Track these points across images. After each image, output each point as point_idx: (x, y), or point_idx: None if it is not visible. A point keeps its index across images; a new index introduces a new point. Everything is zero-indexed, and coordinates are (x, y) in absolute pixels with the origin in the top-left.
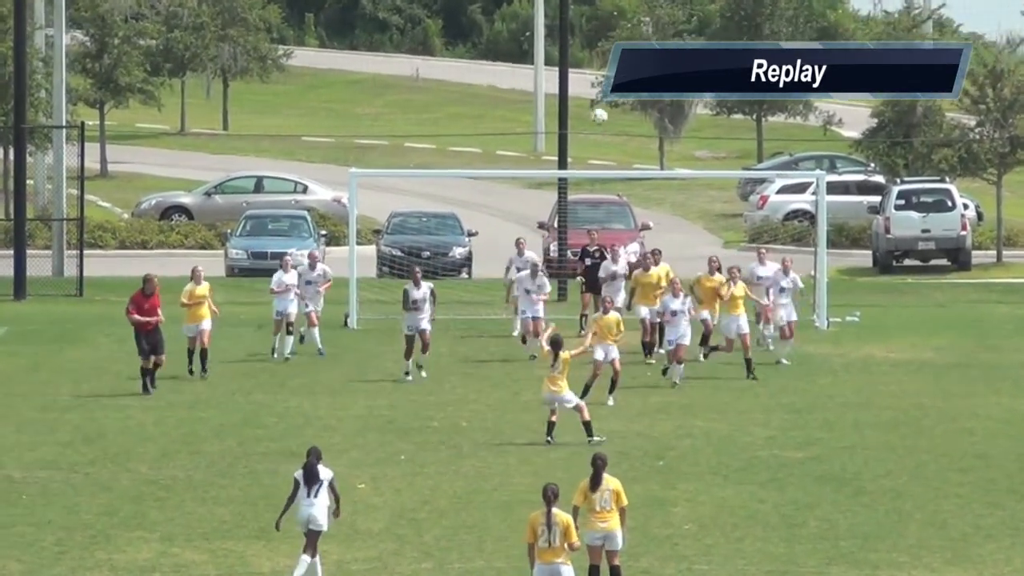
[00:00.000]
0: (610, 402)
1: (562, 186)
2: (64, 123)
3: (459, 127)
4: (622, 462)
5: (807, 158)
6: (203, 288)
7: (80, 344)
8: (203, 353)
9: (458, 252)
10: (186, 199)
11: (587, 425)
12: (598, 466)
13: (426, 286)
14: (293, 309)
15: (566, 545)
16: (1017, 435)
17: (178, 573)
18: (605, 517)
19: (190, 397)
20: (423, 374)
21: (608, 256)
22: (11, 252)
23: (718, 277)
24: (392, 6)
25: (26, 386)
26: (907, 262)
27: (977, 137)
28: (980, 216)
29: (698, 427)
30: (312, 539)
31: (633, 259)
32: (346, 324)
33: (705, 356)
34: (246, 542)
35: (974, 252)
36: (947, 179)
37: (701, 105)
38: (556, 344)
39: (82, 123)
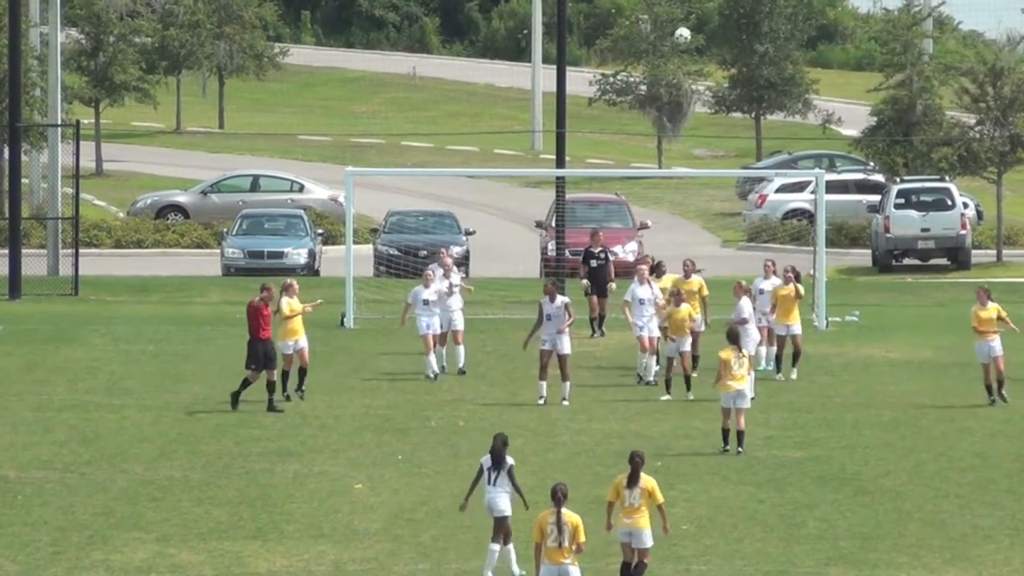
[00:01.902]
0: (690, 396)
1: (560, 185)
2: (59, 121)
3: (456, 125)
4: (620, 462)
5: (806, 157)
6: (296, 302)
7: (75, 344)
8: (302, 371)
9: (456, 251)
10: (182, 198)
11: (740, 435)
12: (636, 463)
13: (561, 299)
14: (438, 325)
15: (573, 547)
16: (1016, 435)
17: (174, 573)
18: (631, 514)
19: (187, 398)
20: (565, 403)
21: (611, 257)
22: (6, 251)
23: (791, 287)
24: (389, 4)
25: (21, 386)
26: (907, 261)
27: (977, 136)
28: (980, 215)
29: (696, 428)
30: (499, 525)
31: (631, 258)
32: (343, 324)
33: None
34: (243, 542)
35: (974, 251)
36: (947, 178)
37: (699, 103)
38: (734, 337)
39: (77, 121)
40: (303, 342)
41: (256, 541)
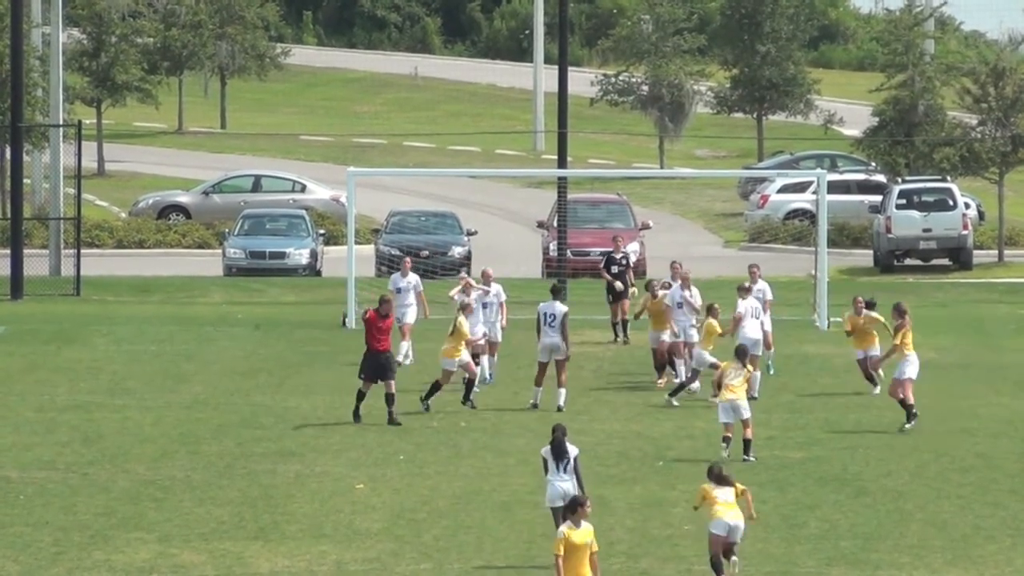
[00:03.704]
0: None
1: (562, 185)
2: (61, 122)
3: (458, 126)
4: (621, 462)
5: (808, 157)
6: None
7: (77, 344)
8: (470, 383)
9: (457, 251)
10: (184, 198)
11: (747, 443)
12: (724, 476)
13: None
14: (479, 333)
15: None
16: (1018, 435)
17: (176, 574)
18: (729, 508)
19: (188, 398)
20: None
21: (631, 263)
22: (8, 252)
23: (870, 314)
24: (390, 4)
25: (23, 386)
26: (908, 262)
27: (979, 136)
28: (981, 215)
29: (698, 428)
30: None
31: (633, 259)
32: (344, 324)
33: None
34: (244, 543)
35: (976, 252)
36: (948, 178)
37: (701, 104)
38: (743, 353)
39: (79, 122)
40: (466, 357)
41: (258, 541)
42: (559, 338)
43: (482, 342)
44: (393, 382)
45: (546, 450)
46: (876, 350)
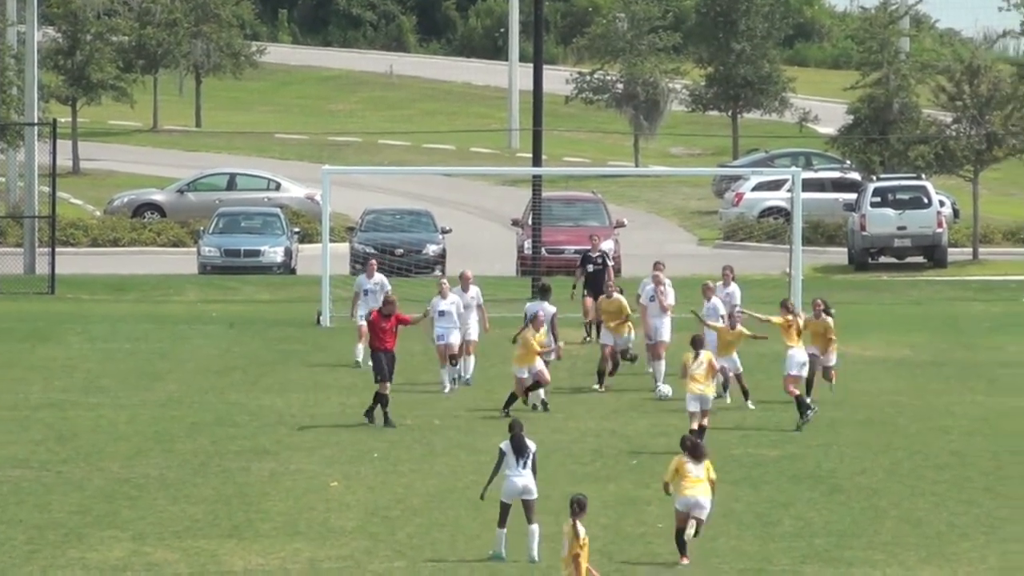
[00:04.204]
0: (751, 405)
1: (537, 183)
2: (36, 120)
3: (433, 124)
4: (596, 460)
5: (783, 155)
6: (538, 336)
7: (51, 342)
8: (537, 385)
9: (432, 250)
10: (158, 196)
11: (702, 430)
12: (700, 448)
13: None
14: (455, 338)
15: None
16: (992, 433)
17: (150, 572)
18: (693, 483)
19: (162, 396)
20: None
21: (609, 262)
22: None
23: (825, 320)
24: (366, 2)
25: None
26: (883, 260)
27: (953, 134)
28: (956, 213)
29: (672, 425)
30: (530, 507)
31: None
32: (319, 322)
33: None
34: (218, 540)
35: (950, 249)
36: (923, 176)
37: (676, 102)
38: (697, 343)
39: (54, 120)
40: (539, 365)
41: (232, 539)
42: (547, 338)
43: (449, 344)
44: (388, 384)
45: (506, 445)
46: (832, 358)
